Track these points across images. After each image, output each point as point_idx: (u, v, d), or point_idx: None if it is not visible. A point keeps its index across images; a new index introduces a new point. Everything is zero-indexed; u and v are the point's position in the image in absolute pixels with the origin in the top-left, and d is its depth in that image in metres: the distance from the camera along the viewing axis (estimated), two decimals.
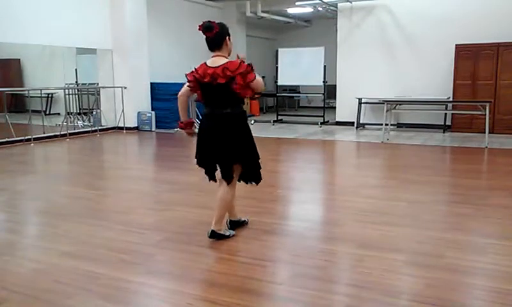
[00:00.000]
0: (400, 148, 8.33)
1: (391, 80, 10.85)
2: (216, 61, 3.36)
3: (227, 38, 3.39)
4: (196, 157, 3.57)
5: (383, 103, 9.18)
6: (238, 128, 3.43)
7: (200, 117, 11.33)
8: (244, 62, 3.33)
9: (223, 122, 3.39)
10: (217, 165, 3.53)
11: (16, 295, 2.74)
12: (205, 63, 3.39)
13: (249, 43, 14.71)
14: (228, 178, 3.47)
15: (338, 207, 4.76)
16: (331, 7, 11.88)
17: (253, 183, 3.63)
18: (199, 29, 3.35)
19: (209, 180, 3.62)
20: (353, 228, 3.92)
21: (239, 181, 3.62)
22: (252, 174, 3.58)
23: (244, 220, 3.87)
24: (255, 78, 3.33)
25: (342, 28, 11.48)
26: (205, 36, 3.37)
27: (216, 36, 3.34)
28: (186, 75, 3.46)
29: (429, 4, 10.33)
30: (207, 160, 3.52)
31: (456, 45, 9.82)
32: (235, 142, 3.40)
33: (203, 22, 3.35)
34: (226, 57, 3.39)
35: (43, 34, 9.01)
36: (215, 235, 3.51)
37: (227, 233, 3.59)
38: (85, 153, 8.50)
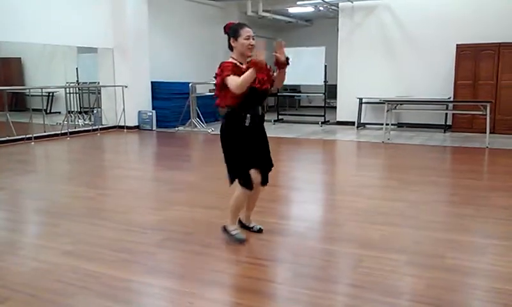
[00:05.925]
0: (401, 148, 8.33)
1: (392, 80, 10.85)
2: None
3: (231, 39, 3.33)
4: None
5: (384, 103, 9.17)
6: (223, 131, 3.41)
7: (201, 116, 11.13)
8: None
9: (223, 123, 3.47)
10: None
11: (17, 294, 2.75)
12: None
13: None
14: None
15: (339, 207, 4.77)
16: (332, 7, 11.87)
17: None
18: None
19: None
20: (354, 228, 3.92)
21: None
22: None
23: (253, 227, 3.72)
24: (227, 75, 3.14)
25: (343, 28, 11.48)
26: None
27: (227, 37, 3.36)
28: None
29: (430, 4, 10.32)
30: None
31: (457, 44, 9.81)
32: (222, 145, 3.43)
33: None
34: (234, 59, 3.34)
35: (44, 33, 9.01)
36: (224, 229, 3.55)
37: (234, 233, 3.50)
38: (86, 152, 8.50)
